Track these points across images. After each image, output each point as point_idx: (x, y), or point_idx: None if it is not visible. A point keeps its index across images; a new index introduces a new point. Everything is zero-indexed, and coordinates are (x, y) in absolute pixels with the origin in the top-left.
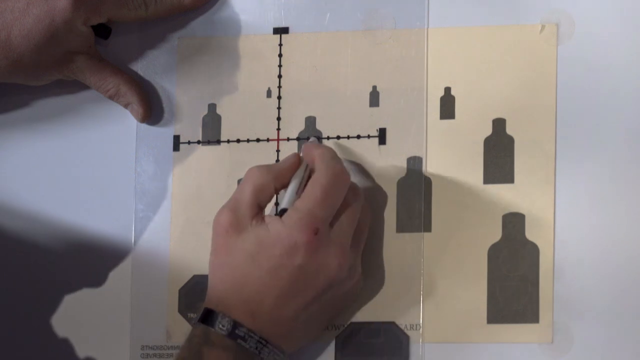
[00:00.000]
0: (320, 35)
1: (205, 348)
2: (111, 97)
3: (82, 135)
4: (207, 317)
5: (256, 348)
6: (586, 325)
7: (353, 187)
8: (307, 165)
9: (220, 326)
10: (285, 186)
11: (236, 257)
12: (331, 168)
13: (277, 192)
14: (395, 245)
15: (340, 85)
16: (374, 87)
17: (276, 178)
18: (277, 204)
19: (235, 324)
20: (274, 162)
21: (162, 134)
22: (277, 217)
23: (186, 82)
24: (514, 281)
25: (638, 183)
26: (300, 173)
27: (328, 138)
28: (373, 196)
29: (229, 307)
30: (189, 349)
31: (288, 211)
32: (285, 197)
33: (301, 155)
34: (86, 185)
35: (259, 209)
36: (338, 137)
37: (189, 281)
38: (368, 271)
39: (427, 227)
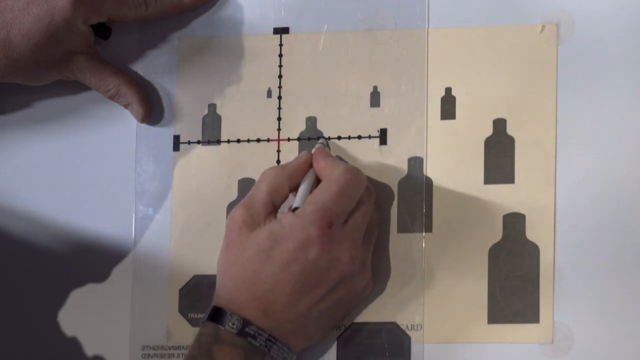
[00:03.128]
0: (320, 35)
1: (215, 346)
2: (111, 98)
3: (82, 135)
4: (217, 315)
5: (266, 346)
6: (586, 325)
7: (367, 186)
8: None
9: (230, 324)
10: (298, 185)
11: (248, 254)
12: (350, 168)
13: (291, 191)
14: (396, 246)
15: (341, 85)
16: (375, 88)
17: (290, 177)
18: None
19: (245, 322)
20: (274, 162)
21: (162, 134)
22: (290, 212)
23: (186, 82)
24: (515, 281)
25: (638, 183)
26: (312, 172)
27: (329, 138)
28: None
29: (240, 304)
30: (199, 347)
31: (303, 206)
32: (298, 196)
33: (313, 152)
34: (86, 185)
35: (274, 208)
36: (339, 138)
37: (189, 281)
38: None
39: (428, 228)
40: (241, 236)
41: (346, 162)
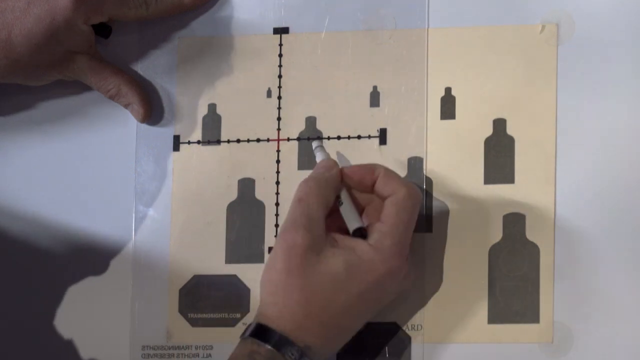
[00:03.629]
0: (320, 35)
1: None
2: (112, 97)
3: (82, 135)
4: (279, 341)
5: None
6: (586, 325)
7: None
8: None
9: (290, 354)
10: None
11: (319, 280)
12: (414, 190)
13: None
14: None
15: (341, 85)
16: (375, 87)
17: (335, 190)
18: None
19: (303, 353)
20: (274, 162)
21: (162, 134)
22: (363, 241)
23: (186, 82)
24: (515, 281)
25: (638, 183)
26: (345, 193)
27: (328, 138)
28: None
29: (306, 330)
30: None
31: (376, 236)
32: (353, 215)
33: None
34: (86, 185)
35: (326, 224)
36: (338, 138)
37: (189, 281)
38: None
39: (428, 228)
40: (307, 261)
41: (401, 178)
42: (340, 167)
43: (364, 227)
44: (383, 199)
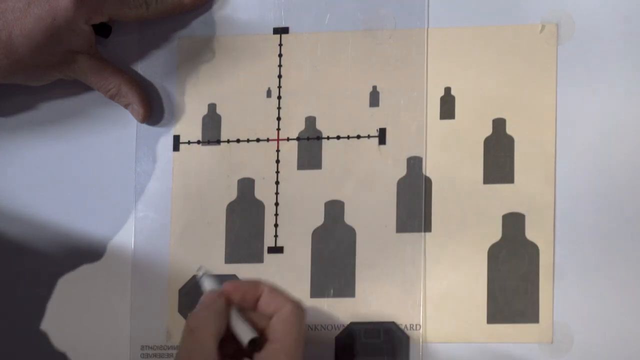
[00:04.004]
0: (320, 35)
1: None
2: (112, 97)
3: (82, 135)
4: None
5: None
6: (586, 325)
7: None
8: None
9: None
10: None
11: None
12: (298, 305)
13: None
14: (395, 246)
15: (340, 85)
16: (374, 87)
17: (226, 317)
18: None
19: None
20: (274, 162)
21: (162, 134)
22: None
23: (186, 82)
24: (514, 281)
25: (638, 183)
26: (234, 308)
27: (328, 138)
28: (373, 196)
29: None
30: None
31: (271, 355)
32: (244, 329)
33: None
34: (86, 185)
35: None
36: (338, 137)
37: (189, 281)
38: (368, 271)
39: (427, 227)
40: None
41: (285, 294)
42: (223, 283)
43: (258, 337)
44: (268, 317)
